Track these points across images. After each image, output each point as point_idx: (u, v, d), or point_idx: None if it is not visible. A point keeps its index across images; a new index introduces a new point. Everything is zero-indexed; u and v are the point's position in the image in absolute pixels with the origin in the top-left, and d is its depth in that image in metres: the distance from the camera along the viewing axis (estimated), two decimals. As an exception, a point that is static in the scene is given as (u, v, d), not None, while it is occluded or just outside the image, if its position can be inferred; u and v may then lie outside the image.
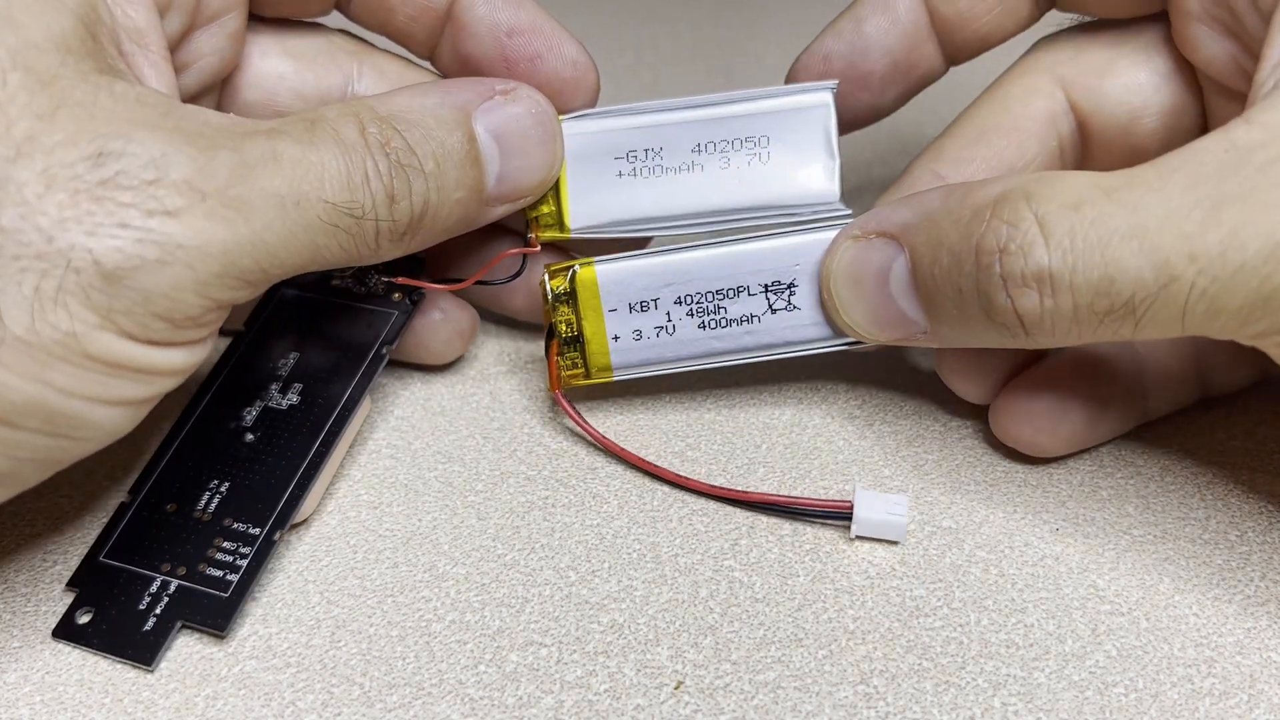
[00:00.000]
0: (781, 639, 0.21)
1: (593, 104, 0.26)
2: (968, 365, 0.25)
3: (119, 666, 0.21)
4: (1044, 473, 0.25)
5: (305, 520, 0.24)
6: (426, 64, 0.27)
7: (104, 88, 0.19)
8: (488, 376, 0.28)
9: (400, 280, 0.26)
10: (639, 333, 0.25)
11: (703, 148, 0.25)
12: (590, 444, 0.26)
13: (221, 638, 0.21)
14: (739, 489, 0.24)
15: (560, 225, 0.25)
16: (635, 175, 0.25)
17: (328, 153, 0.20)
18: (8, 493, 0.19)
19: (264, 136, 0.20)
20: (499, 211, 0.24)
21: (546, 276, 0.25)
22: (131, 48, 0.21)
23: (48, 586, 0.23)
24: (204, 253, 0.19)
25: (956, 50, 0.26)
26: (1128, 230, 0.19)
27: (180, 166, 0.19)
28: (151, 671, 0.21)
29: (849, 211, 0.25)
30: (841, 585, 0.22)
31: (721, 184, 0.25)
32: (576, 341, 0.25)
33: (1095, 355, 0.25)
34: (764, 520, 0.24)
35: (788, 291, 0.24)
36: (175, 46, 0.23)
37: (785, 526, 0.24)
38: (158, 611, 0.21)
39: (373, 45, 0.27)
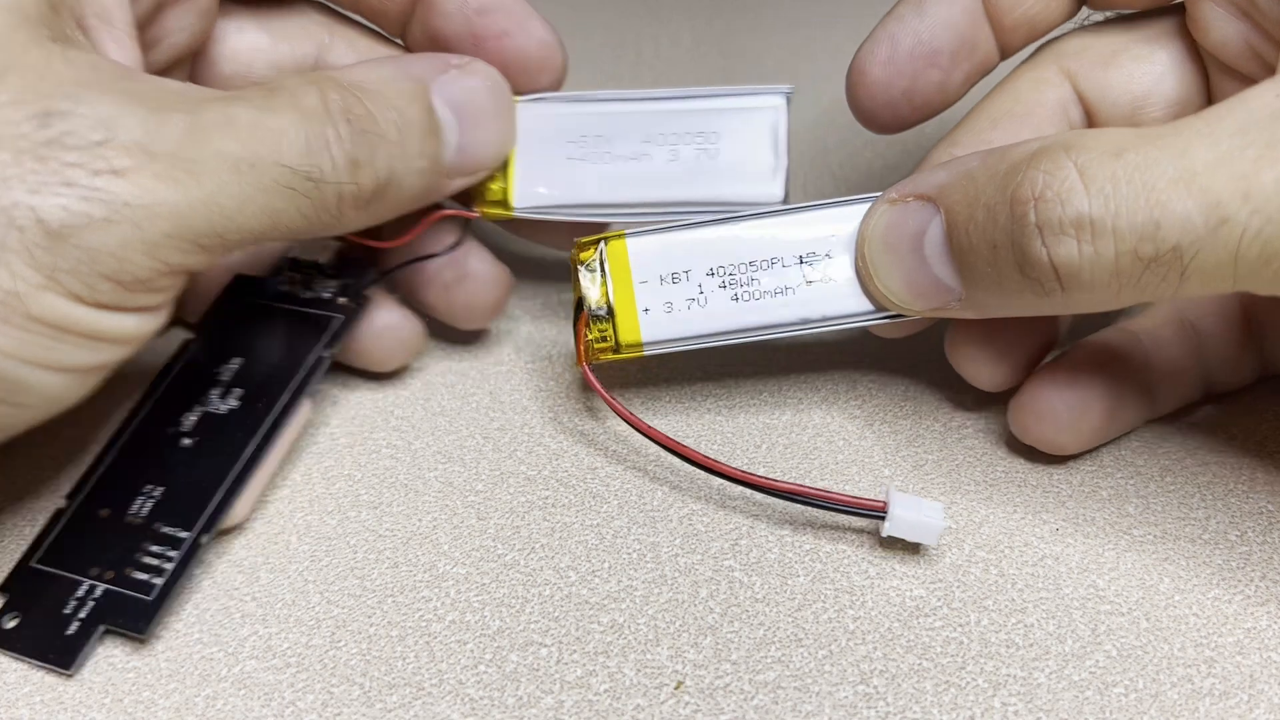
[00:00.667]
0: (781, 639, 0.21)
1: (558, 85, 0.27)
2: (978, 348, 0.25)
3: (117, 667, 0.21)
4: (1044, 473, 0.25)
5: (239, 525, 0.23)
6: (399, 40, 0.27)
7: (57, 54, 0.19)
8: (488, 377, 0.28)
9: (349, 238, 0.26)
10: (670, 305, 0.24)
11: (653, 138, 0.26)
12: (590, 444, 0.26)
13: (142, 641, 0.21)
14: (770, 477, 0.23)
15: (505, 204, 0.26)
16: (584, 160, 0.26)
17: (285, 117, 0.20)
18: None
19: (220, 102, 0.20)
20: (457, 184, 0.25)
21: (575, 250, 0.24)
22: (95, 23, 0.21)
23: None
24: (152, 212, 0.19)
25: (1007, 35, 0.26)
26: (1175, 174, 0.18)
27: (130, 128, 0.19)
28: (71, 676, 0.21)
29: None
30: (841, 585, 0.22)
31: (668, 176, 0.26)
32: (606, 315, 0.24)
33: (1110, 348, 0.25)
34: (763, 519, 0.24)
35: (823, 263, 0.24)
36: (145, 24, 0.23)
37: (785, 526, 0.24)
38: (81, 616, 0.21)
39: (346, 18, 0.27)
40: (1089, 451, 0.25)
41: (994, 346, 0.25)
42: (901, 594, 0.22)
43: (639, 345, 0.24)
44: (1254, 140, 0.18)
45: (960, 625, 0.21)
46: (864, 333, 0.26)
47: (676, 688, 0.20)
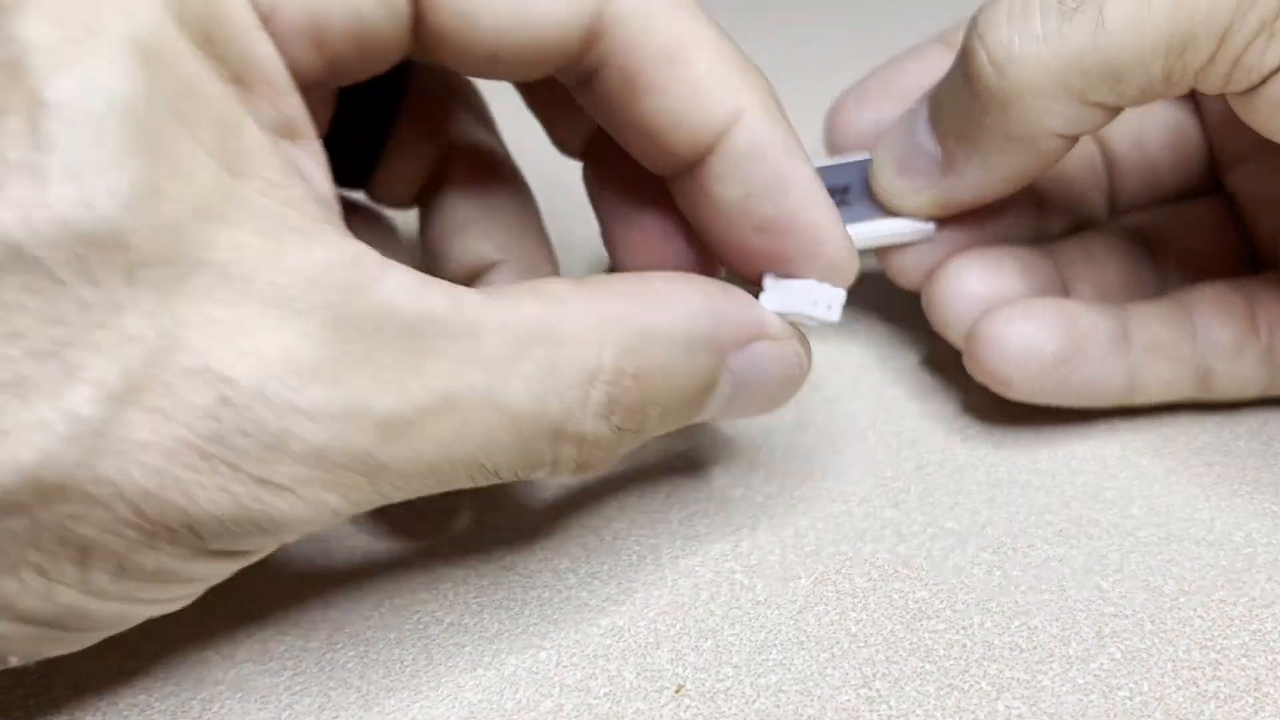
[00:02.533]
0: (783, 642, 0.21)
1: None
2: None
3: (114, 670, 0.21)
4: (1048, 474, 0.25)
5: None
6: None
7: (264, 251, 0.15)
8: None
9: None
10: None
11: None
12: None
13: None
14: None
15: None
16: None
17: (522, 398, 0.16)
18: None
19: (455, 365, 0.16)
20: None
21: None
22: (286, 146, 0.17)
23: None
24: (304, 521, 0.16)
25: None
26: None
27: (313, 431, 0.15)
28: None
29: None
30: (844, 588, 0.22)
31: None
32: None
33: (1080, 303, 0.25)
34: (765, 521, 0.24)
35: (840, 193, 0.25)
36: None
37: (788, 528, 0.24)
38: None
39: None
40: (1092, 453, 0.25)
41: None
42: (904, 596, 0.22)
43: None
44: None
45: (963, 628, 0.21)
46: (868, 334, 0.26)
47: (677, 691, 0.20)
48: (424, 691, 0.20)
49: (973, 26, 0.22)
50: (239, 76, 0.16)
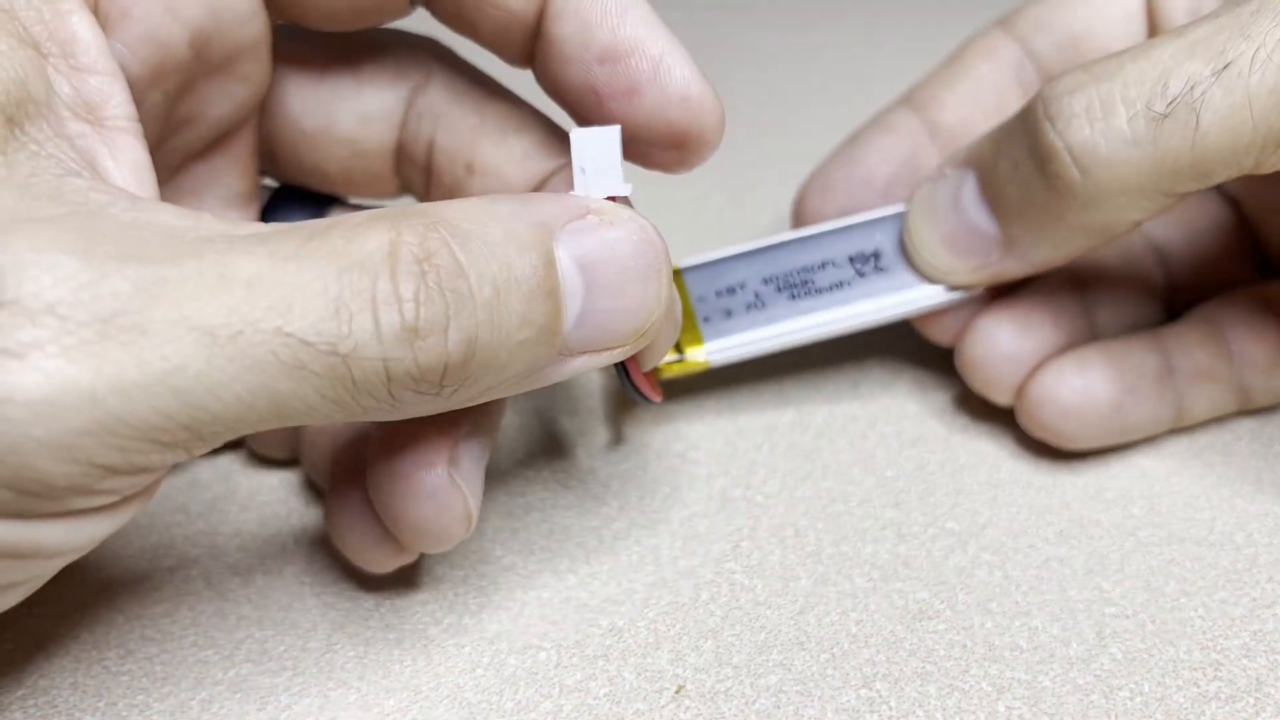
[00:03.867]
0: (784, 643, 0.21)
1: (709, 151, 0.21)
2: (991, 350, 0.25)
3: (113, 670, 0.21)
4: (1049, 475, 0.25)
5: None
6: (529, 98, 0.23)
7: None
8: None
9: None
10: (728, 311, 0.25)
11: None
12: (590, 445, 0.26)
13: None
14: None
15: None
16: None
17: (313, 270, 0.15)
18: None
19: (220, 251, 0.15)
20: (578, 364, 0.18)
21: None
22: (80, 128, 0.17)
23: (40, 590, 0.22)
24: (57, 406, 0.14)
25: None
26: (1177, 45, 0.20)
27: (47, 285, 0.14)
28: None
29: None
30: (844, 588, 0.22)
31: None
32: None
33: (1125, 341, 0.25)
34: (765, 522, 0.24)
35: (873, 259, 0.25)
36: (175, 102, 0.20)
37: (788, 528, 0.24)
38: None
39: (449, 52, 0.23)
40: (1093, 454, 0.25)
41: (1011, 348, 0.25)
42: (905, 597, 0.22)
43: (701, 348, 0.25)
44: (1241, 14, 0.20)
45: (964, 628, 0.21)
46: (866, 333, 0.26)
47: (677, 692, 0.20)
48: (423, 692, 0.20)
49: (1046, 120, 0.21)
50: (36, 45, 0.16)
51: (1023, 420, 0.24)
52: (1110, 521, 0.24)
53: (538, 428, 0.26)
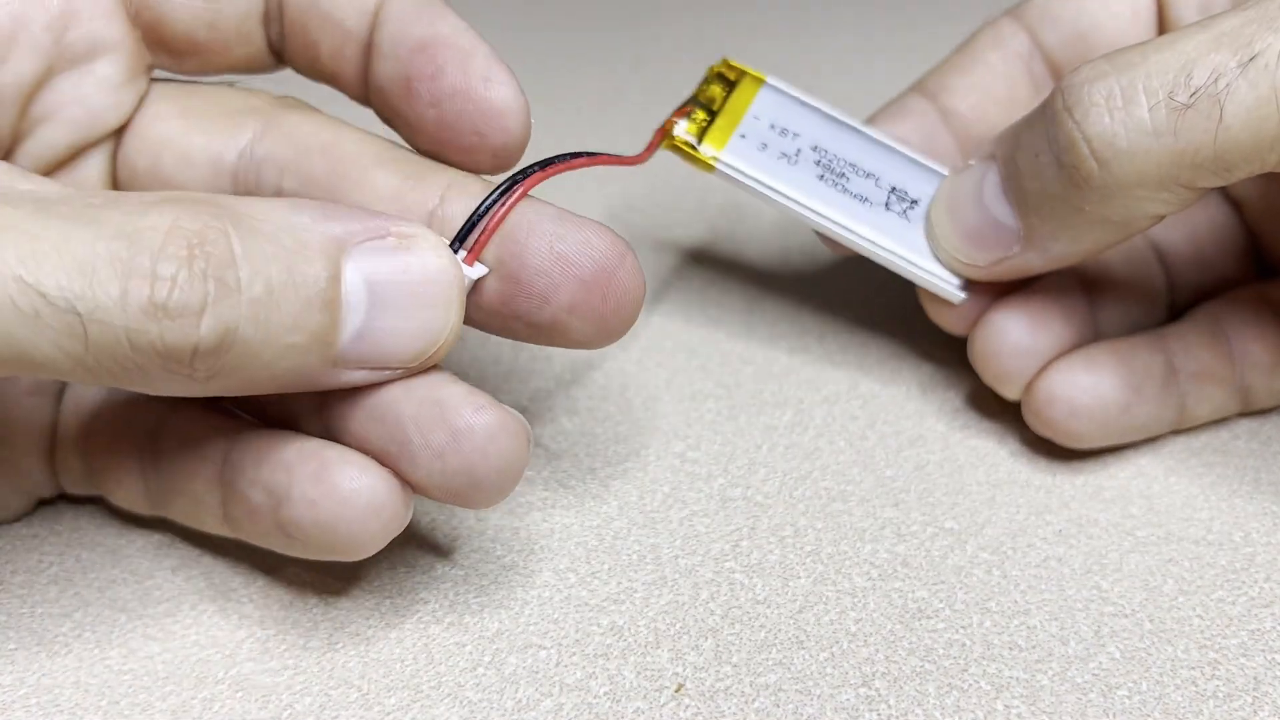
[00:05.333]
0: (783, 641, 0.21)
1: (520, 145, 0.21)
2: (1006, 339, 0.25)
3: (115, 669, 0.21)
4: (1047, 474, 0.25)
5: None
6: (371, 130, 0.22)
7: None
8: (486, 378, 0.28)
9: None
10: (764, 145, 0.25)
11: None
12: (590, 445, 0.26)
13: None
14: None
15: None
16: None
17: (80, 232, 0.16)
18: None
19: (7, 205, 0.16)
20: (355, 377, 0.19)
21: (722, 62, 0.26)
22: None
23: (43, 588, 0.22)
24: None
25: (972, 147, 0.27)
26: (1201, 36, 0.19)
27: None
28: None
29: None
30: (844, 587, 0.22)
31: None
32: (709, 114, 0.25)
33: (1131, 341, 0.25)
34: (765, 521, 0.24)
35: (908, 204, 0.25)
36: (30, 91, 0.20)
37: (787, 527, 0.24)
38: None
39: (301, 104, 0.23)
40: (1092, 453, 0.25)
41: (1023, 341, 0.25)
42: (904, 596, 0.22)
43: (716, 156, 0.25)
44: (1269, 6, 0.19)
45: (963, 627, 0.21)
46: (866, 333, 0.26)
47: (677, 690, 0.20)
48: (424, 690, 0.20)
49: (1064, 110, 0.21)
50: None
51: (1030, 418, 0.24)
52: (1108, 521, 0.24)
53: (538, 427, 0.26)
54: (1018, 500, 0.24)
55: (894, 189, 0.25)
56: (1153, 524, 0.24)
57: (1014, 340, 0.24)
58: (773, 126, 0.25)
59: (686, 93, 0.26)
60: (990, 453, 0.25)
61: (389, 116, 0.22)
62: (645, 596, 0.22)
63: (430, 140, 0.21)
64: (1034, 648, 0.21)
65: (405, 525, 0.20)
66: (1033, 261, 0.23)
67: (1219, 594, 0.22)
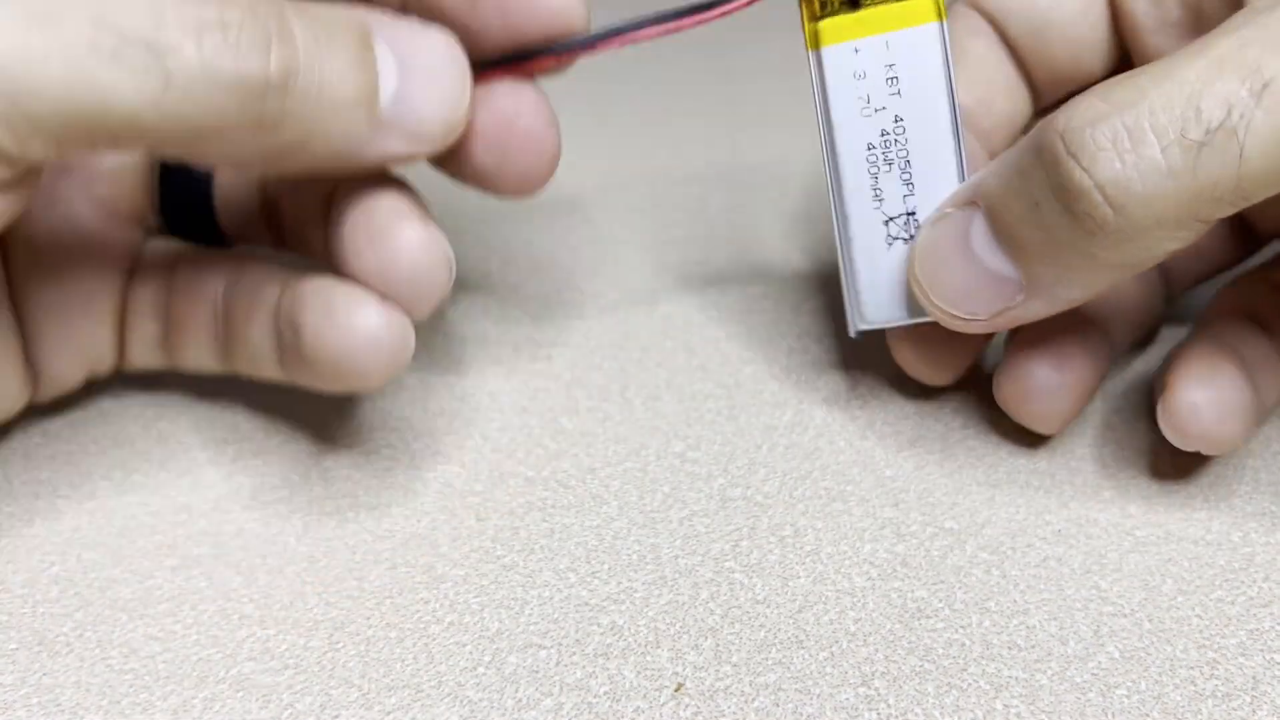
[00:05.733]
0: (782, 641, 0.21)
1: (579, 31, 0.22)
2: (922, 342, 0.25)
3: (116, 669, 0.21)
4: (1046, 475, 0.25)
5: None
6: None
7: None
8: (487, 378, 0.28)
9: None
10: (864, 75, 0.23)
11: None
12: (590, 445, 0.26)
13: None
14: None
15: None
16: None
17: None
18: None
19: None
20: (392, 145, 0.20)
21: None
22: None
23: (44, 588, 0.22)
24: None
25: (1042, 88, 0.26)
26: (1203, 64, 0.18)
27: None
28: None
29: None
30: (843, 587, 0.22)
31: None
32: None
33: (1219, 342, 0.24)
34: (764, 521, 0.24)
35: (908, 235, 0.24)
36: None
37: (786, 527, 0.24)
38: None
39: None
40: (1091, 453, 0.25)
41: (937, 339, 0.24)
42: (903, 595, 0.22)
43: (818, 46, 0.23)
44: (1268, 26, 0.18)
45: (962, 627, 0.21)
46: (864, 334, 0.26)
47: (677, 690, 0.20)
48: (425, 690, 0.20)
49: (1069, 156, 0.19)
50: None
51: (1173, 434, 0.23)
52: (1107, 521, 0.24)
53: (538, 427, 0.27)
54: (1017, 500, 0.24)
55: (911, 214, 0.23)
56: (1152, 524, 0.24)
57: (1041, 382, 0.24)
58: (890, 66, 0.22)
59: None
60: (989, 453, 0.26)
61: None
62: (645, 596, 0.22)
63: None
64: (1033, 647, 0.21)
65: (408, 358, 0.21)
66: (1039, 310, 0.22)
67: (1218, 594, 0.22)
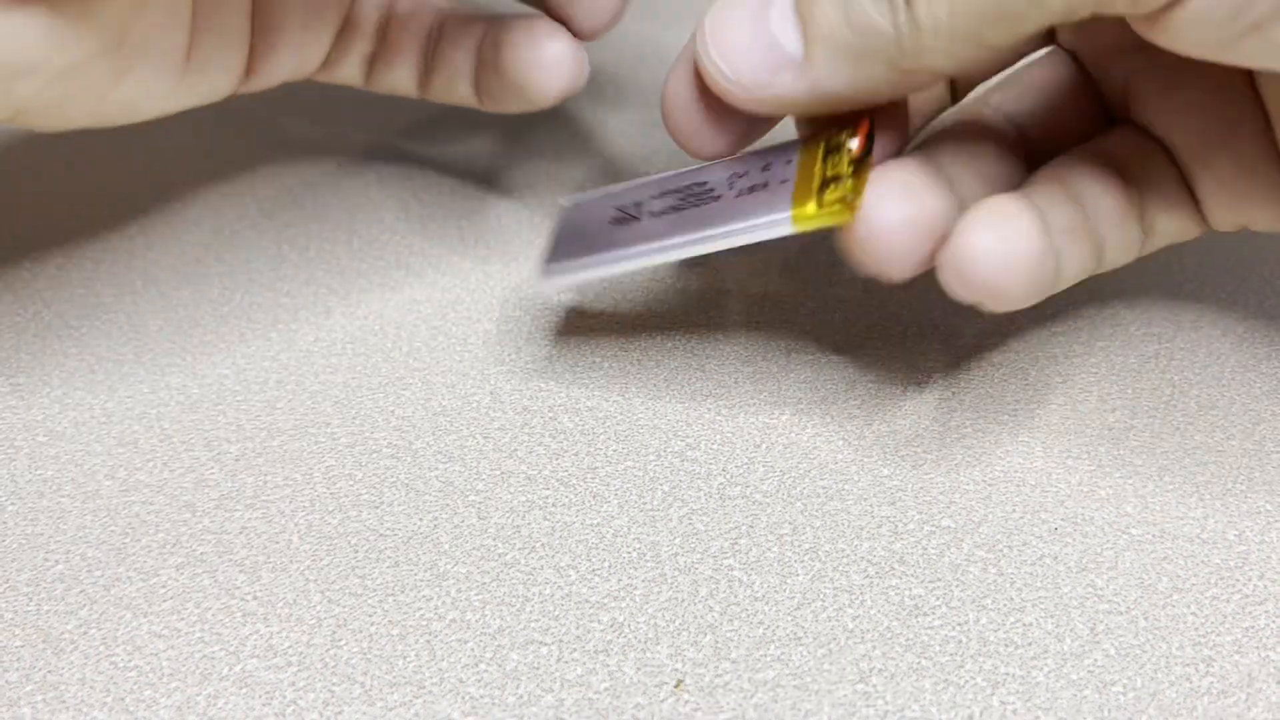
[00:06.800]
0: (781, 638, 0.21)
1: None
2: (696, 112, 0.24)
3: (120, 666, 0.21)
4: (1042, 472, 0.25)
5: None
6: None
7: None
8: (489, 377, 0.28)
9: None
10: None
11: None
12: (590, 444, 0.26)
13: None
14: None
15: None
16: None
17: None
18: None
19: None
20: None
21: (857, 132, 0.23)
22: None
23: (49, 586, 0.23)
24: None
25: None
26: None
27: None
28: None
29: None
30: (841, 584, 0.22)
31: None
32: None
33: (1024, 194, 0.23)
34: (763, 519, 0.24)
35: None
36: None
37: (785, 525, 0.24)
38: None
39: None
40: (1088, 451, 0.25)
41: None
42: (900, 593, 0.22)
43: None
44: None
45: (959, 624, 0.22)
46: (863, 333, 0.26)
47: (676, 686, 0.20)
48: (427, 686, 0.21)
49: None
50: None
51: (951, 281, 0.22)
52: (1103, 519, 0.24)
53: (540, 426, 0.27)
54: (1013, 498, 0.24)
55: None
56: (1147, 522, 0.24)
57: (891, 214, 0.22)
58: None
59: None
60: (986, 451, 0.26)
61: None
62: (645, 593, 0.22)
63: None
64: (1029, 644, 0.21)
65: (583, 82, 0.28)
66: (798, 92, 0.22)
67: (1213, 591, 0.22)
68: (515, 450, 0.26)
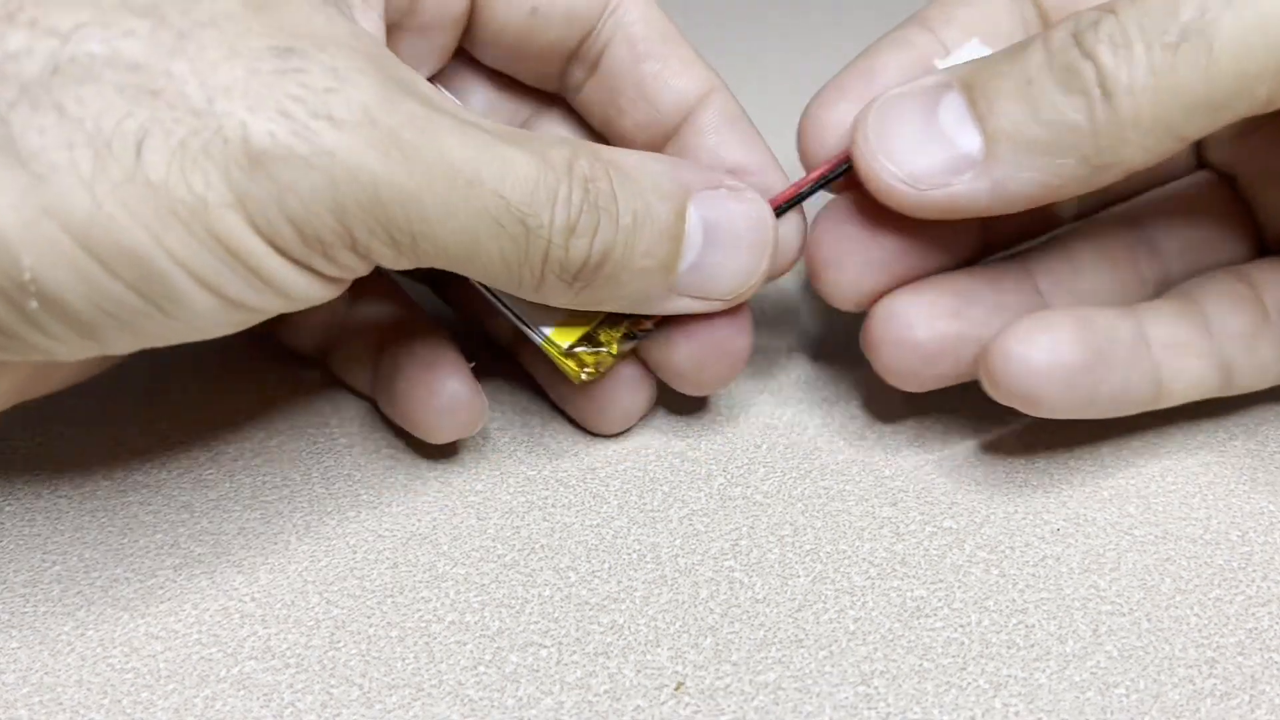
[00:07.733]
0: (782, 640, 0.21)
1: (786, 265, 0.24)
2: (843, 251, 0.24)
3: (118, 667, 0.21)
4: (1045, 474, 0.25)
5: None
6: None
7: (320, 10, 0.19)
8: (489, 380, 0.28)
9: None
10: None
11: None
12: (590, 444, 0.26)
13: None
14: None
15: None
16: None
17: (523, 156, 0.20)
18: (85, 351, 0.19)
19: (461, 117, 0.19)
20: (681, 304, 0.23)
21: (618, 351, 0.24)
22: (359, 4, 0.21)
23: (46, 587, 0.22)
24: (352, 173, 0.18)
25: None
26: None
27: (363, 89, 0.18)
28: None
29: None
30: (842, 586, 0.22)
31: None
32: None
33: (1087, 308, 0.24)
34: (764, 520, 0.24)
35: None
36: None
37: (786, 526, 0.24)
38: None
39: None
40: (1090, 452, 0.25)
41: (860, 251, 0.24)
42: (902, 594, 0.22)
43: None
44: None
45: (961, 626, 0.21)
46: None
47: (677, 688, 0.20)
48: (426, 689, 0.20)
49: (1070, 39, 0.20)
50: None
51: (988, 386, 0.23)
52: (1106, 520, 0.24)
53: (538, 427, 0.27)
54: (1015, 499, 0.24)
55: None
56: (1150, 523, 0.24)
57: (910, 332, 0.23)
58: None
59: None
60: (988, 452, 0.26)
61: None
62: (645, 595, 0.22)
63: None
64: (1032, 646, 0.21)
65: (481, 423, 0.25)
66: (978, 192, 0.21)
67: (1216, 592, 0.22)
68: (514, 450, 0.26)
